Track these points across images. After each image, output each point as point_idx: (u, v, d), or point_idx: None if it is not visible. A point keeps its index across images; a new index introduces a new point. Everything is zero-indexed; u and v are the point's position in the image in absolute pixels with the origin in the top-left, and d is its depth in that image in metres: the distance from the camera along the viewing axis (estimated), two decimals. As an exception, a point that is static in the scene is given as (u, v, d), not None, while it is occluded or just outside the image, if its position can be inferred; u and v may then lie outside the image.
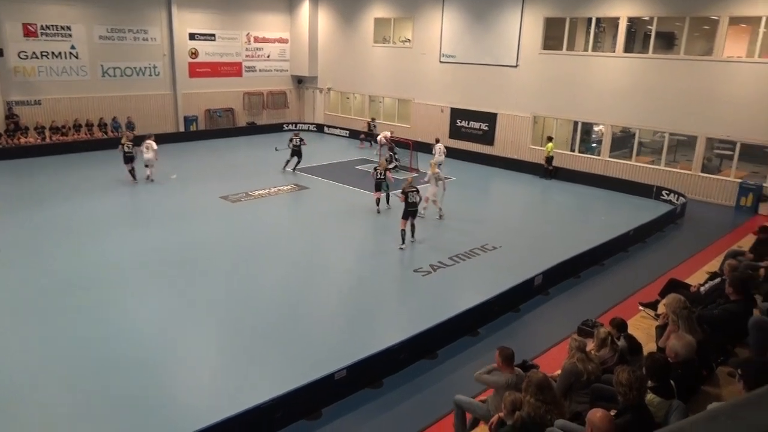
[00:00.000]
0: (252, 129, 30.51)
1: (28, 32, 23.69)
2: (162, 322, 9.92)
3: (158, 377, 8.30)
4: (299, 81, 32.99)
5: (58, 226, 14.66)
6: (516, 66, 23.31)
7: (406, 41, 27.92)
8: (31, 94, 24.19)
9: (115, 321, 9.85)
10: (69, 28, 24.66)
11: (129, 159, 18.80)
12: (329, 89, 31.98)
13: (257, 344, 9.28)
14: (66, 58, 24.79)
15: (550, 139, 21.31)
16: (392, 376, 8.35)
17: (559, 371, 6.43)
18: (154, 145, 19.02)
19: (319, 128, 31.43)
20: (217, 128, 29.37)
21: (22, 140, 23.50)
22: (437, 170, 16.07)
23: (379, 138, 23.79)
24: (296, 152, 20.88)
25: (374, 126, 27.12)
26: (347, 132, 29.75)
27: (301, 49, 31.77)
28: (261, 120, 31.56)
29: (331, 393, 7.70)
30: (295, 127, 31.01)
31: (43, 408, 7.56)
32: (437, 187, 15.90)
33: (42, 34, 24.01)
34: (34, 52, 23.96)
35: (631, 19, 20.45)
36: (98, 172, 20.14)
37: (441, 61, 25.96)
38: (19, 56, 23.61)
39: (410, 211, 13.74)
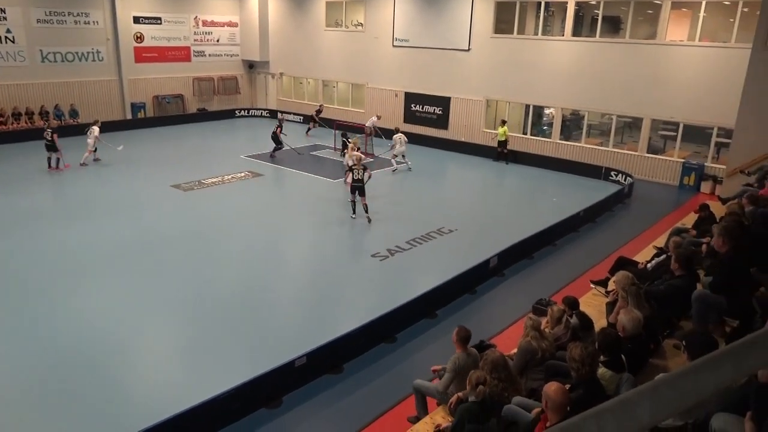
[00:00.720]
0: (203, 115, 29.78)
1: (-42, 15, 22.37)
2: (114, 315, 9.63)
3: (111, 372, 8.08)
4: (250, 66, 32.33)
5: (-2, 219, 14.02)
6: (468, 50, 23.46)
7: (358, 25, 27.68)
8: (-36, 81, 22.90)
9: (64, 316, 9.51)
10: (3, 11, 23.39)
11: (48, 148, 18.22)
12: (281, 74, 31.48)
13: (214, 334, 9.14)
14: (2, 43, 23.54)
15: (503, 123, 21.56)
16: (352, 361, 8.38)
17: (515, 350, 6.58)
18: (96, 131, 18.82)
19: (273, 114, 30.91)
20: (166, 115, 28.52)
21: (-44, 130, 22.28)
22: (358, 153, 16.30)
23: (367, 125, 23.20)
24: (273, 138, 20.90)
25: (320, 112, 26.59)
26: (301, 117, 29.36)
27: (252, 33, 31.10)
28: (212, 106, 30.83)
29: (291, 380, 7.68)
30: (248, 113, 30.51)
31: (-11, 409, 7.27)
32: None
33: (-27, 17, 22.72)
34: (-35, 37, 22.65)
35: (578, 3, 20.83)
36: (41, 162, 19.29)
37: (394, 45, 25.88)
38: (-51, 41, 22.29)
39: (356, 187, 14.15)
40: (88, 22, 25.84)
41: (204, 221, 14.52)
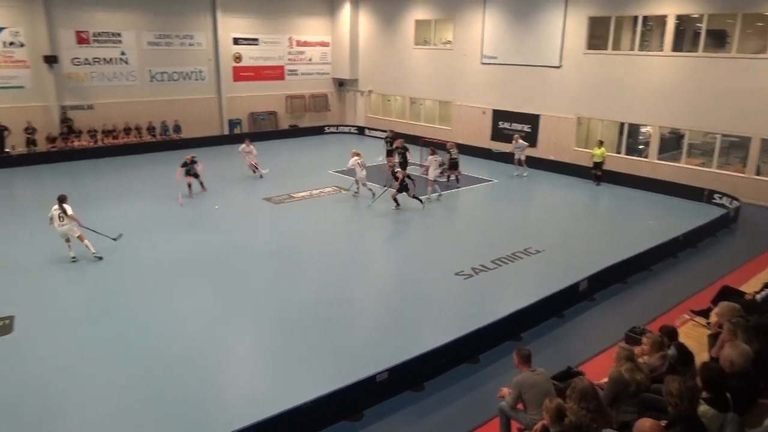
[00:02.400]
0: (294, 132, 30.89)
1: (81, 39, 24.62)
2: (206, 321, 10.13)
3: (200, 375, 8.47)
4: (340, 84, 33.24)
5: (107, 226, 15.12)
6: (559, 66, 22.91)
7: (447, 43, 27.80)
8: (84, 98, 25.10)
9: (160, 320, 10.11)
10: (119, 35, 25.50)
11: (189, 173, 17.88)
12: (370, 92, 32.10)
13: (300, 344, 9.37)
14: (116, 63, 25.66)
15: (601, 143, 20.53)
16: (434, 380, 8.31)
17: (605, 379, 6.28)
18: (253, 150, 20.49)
19: (360, 130, 31.58)
20: (260, 131, 29.85)
21: (76, 143, 24.41)
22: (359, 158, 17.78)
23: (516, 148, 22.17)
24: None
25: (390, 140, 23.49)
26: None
27: (342, 52, 32.01)
28: (303, 123, 31.92)
29: (372, 394, 7.71)
30: (336, 129, 31.34)
31: (85, 407, 7.81)
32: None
33: (94, 41, 24.92)
34: (86, 59, 24.87)
35: (679, 17, 19.83)
36: (147, 175, 20.74)
37: (482, 63, 25.74)
38: (72, 63, 24.56)
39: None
40: (193, 44, 27.62)
41: (292, 233, 14.99)
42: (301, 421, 7.07)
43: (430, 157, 18.28)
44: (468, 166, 22.18)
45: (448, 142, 20.98)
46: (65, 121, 24.61)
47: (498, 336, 9.32)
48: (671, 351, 6.56)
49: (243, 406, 7.66)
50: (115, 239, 13.40)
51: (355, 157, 17.79)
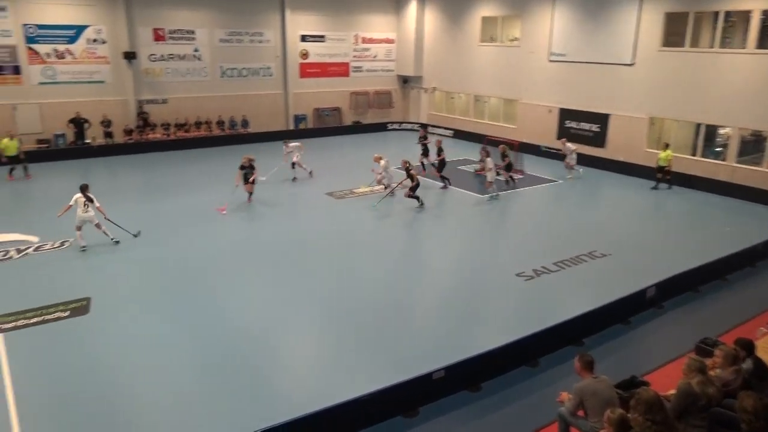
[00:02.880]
0: (357, 128, 31.19)
1: (158, 36, 25.73)
2: (268, 311, 10.39)
3: (261, 364, 8.70)
4: (405, 81, 33.26)
5: (177, 215, 15.79)
6: (632, 64, 22.05)
7: (513, 40, 27.29)
8: (159, 93, 26.24)
9: (224, 308, 10.44)
10: (193, 32, 26.48)
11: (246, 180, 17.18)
12: (434, 89, 31.97)
13: (358, 338, 9.46)
14: (190, 60, 26.67)
15: (666, 146, 19.67)
16: (491, 381, 8.20)
17: (672, 391, 6.01)
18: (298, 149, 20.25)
19: (423, 128, 31.45)
20: (324, 126, 30.31)
21: (150, 136, 25.57)
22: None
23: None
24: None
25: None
26: (452, 132, 29.62)
27: (407, 49, 32.01)
28: (366, 119, 32.17)
29: (428, 392, 7.69)
30: (399, 126, 31.40)
31: (151, 388, 8.16)
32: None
33: (169, 38, 25.99)
34: (162, 55, 25.98)
35: (765, 12, 18.66)
36: (215, 167, 21.45)
37: (550, 60, 25.12)
38: (149, 59, 25.71)
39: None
40: (262, 41, 28.34)
41: (353, 228, 15.15)
42: (358, 413, 7.13)
43: (488, 159, 18.03)
44: (532, 165, 21.75)
45: (500, 144, 20.55)
46: (141, 114, 25.80)
47: (559, 340, 9.09)
48: (746, 365, 6.20)
49: (302, 396, 7.81)
50: (135, 235, 13.90)
51: (382, 161, 17.77)
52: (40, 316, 10.00)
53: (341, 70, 31.23)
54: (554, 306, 10.72)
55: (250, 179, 17.03)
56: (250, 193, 17.17)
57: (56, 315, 10.06)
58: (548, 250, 13.45)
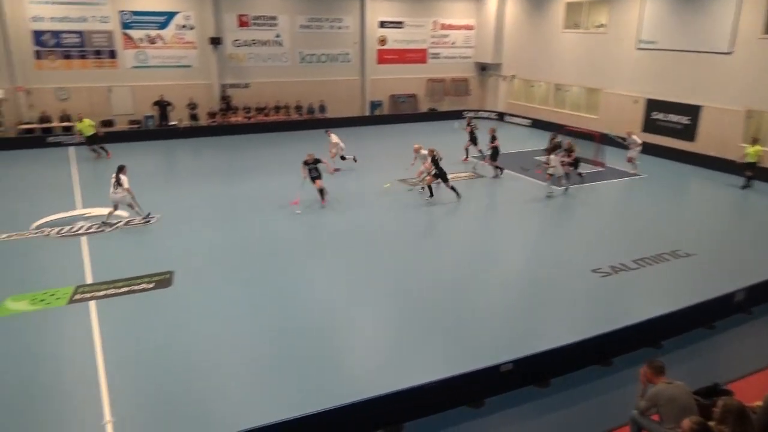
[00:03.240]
0: (433, 115, 31.01)
1: (242, 22, 26.55)
2: (340, 295, 10.59)
3: (331, 346, 8.89)
4: (483, 68, 32.69)
5: (253, 196, 16.32)
6: (729, 53, 20.62)
7: (599, 26, 26.16)
8: (242, 78, 27.13)
9: (295, 291, 10.73)
10: (275, 18, 27.13)
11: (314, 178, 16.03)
12: (513, 77, 31.23)
13: (426, 326, 9.48)
14: (271, 45, 27.37)
15: (755, 141, 18.20)
16: (560, 378, 8.00)
17: (758, 402, 5.65)
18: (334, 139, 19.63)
19: (500, 116, 30.92)
20: (399, 113, 30.33)
21: (232, 119, 26.50)
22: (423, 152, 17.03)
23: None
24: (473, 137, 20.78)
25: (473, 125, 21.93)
26: (530, 121, 28.89)
27: (487, 36, 31.40)
28: (442, 107, 31.91)
29: (495, 384, 7.60)
30: (476, 114, 30.94)
31: (225, 360, 8.51)
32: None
33: (253, 23, 26.76)
34: (245, 40, 26.81)
35: None
36: (292, 151, 21.95)
37: (638, 48, 23.91)
38: (233, 44, 26.59)
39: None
40: (341, 27, 28.63)
41: (425, 217, 15.11)
42: (424, 400, 7.16)
43: (552, 156, 17.41)
44: (614, 158, 20.87)
45: (567, 140, 19.70)
46: (224, 98, 26.77)
47: (635, 341, 8.73)
48: None
49: (370, 379, 7.92)
50: (146, 218, 14.26)
51: (423, 151, 17.15)
52: (128, 286, 10.65)
53: (418, 56, 31.08)
54: (632, 305, 10.30)
55: (316, 178, 15.65)
56: (321, 192, 15.75)
57: (142, 286, 10.68)
58: (628, 247, 12.90)
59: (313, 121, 27.59)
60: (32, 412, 7.28)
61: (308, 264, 11.91)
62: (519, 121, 29.37)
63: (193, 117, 25.89)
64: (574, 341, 8.15)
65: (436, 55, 31.51)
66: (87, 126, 20.99)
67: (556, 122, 25.85)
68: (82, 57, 24.27)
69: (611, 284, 11.13)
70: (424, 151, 17.05)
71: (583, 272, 11.64)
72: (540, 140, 24.75)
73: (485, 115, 31.28)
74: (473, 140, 20.74)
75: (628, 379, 8.05)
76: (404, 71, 30.85)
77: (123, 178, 13.77)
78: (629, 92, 24.53)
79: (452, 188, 16.28)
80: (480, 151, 20.58)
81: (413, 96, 31.27)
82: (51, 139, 23.07)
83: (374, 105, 30.19)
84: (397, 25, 30.08)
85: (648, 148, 20.94)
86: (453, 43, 31.79)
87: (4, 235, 13.18)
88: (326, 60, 28.73)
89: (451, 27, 31.43)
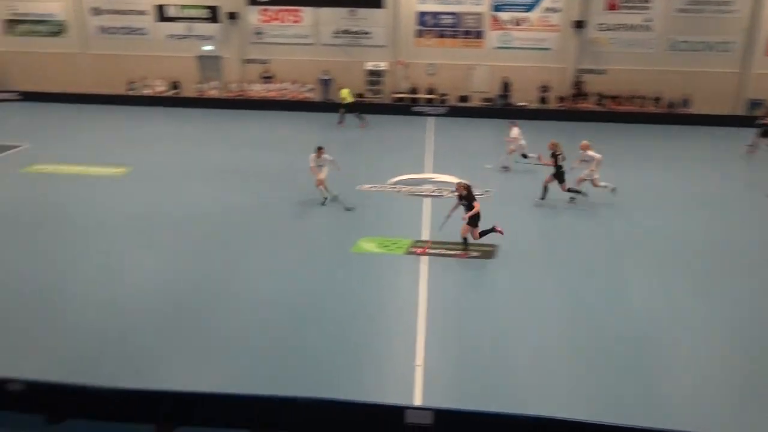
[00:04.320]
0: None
1: (611, 6, 25.40)
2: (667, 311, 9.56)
3: (651, 364, 8.10)
4: None
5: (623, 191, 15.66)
6: None
7: None
8: (599, 63, 26.14)
9: (613, 299, 10.05)
10: (649, 1, 25.05)
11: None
12: None
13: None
14: (637, 30, 25.51)
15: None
16: None
17: None
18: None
19: None
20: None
21: (582, 105, 25.85)
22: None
23: None
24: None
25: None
26: None
27: None
28: None
29: None
30: None
31: (524, 345, 8.46)
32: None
33: (622, 6, 25.29)
34: (610, 24, 25.57)
35: None
36: (646, 147, 20.32)
37: None
38: (597, 28, 25.66)
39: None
40: (728, 12, 24.86)
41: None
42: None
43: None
44: None
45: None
46: (577, 83, 26.20)
47: None
48: None
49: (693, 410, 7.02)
50: (324, 201, 13.98)
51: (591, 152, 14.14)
52: (456, 251, 11.45)
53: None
54: None
55: (467, 215, 11.30)
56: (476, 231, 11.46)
57: (468, 252, 11.39)
58: None
59: (671, 115, 24.94)
60: (355, 334, 8.54)
61: (638, 273, 10.99)
62: None
63: (542, 100, 26.09)
64: None
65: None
66: (347, 94, 23.28)
67: None
68: (453, 36, 26.63)
69: None
70: (592, 152, 14.09)
71: None
72: None
73: None
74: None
75: None
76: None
77: (326, 156, 13.61)
78: None
79: (569, 190, 14.31)
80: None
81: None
82: (416, 109, 26.16)
83: (754, 104, 25.53)
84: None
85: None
86: None
87: (369, 185, 15.57)
88: (701, 48, 25.39)
89: None
